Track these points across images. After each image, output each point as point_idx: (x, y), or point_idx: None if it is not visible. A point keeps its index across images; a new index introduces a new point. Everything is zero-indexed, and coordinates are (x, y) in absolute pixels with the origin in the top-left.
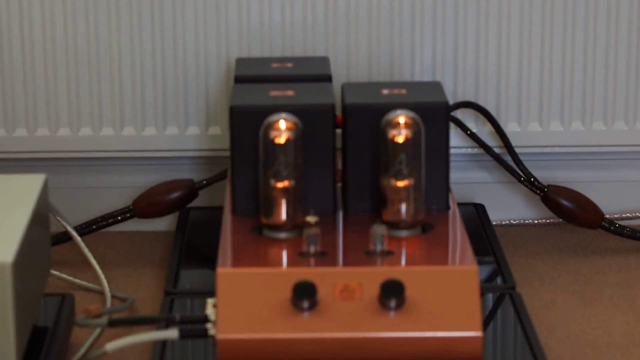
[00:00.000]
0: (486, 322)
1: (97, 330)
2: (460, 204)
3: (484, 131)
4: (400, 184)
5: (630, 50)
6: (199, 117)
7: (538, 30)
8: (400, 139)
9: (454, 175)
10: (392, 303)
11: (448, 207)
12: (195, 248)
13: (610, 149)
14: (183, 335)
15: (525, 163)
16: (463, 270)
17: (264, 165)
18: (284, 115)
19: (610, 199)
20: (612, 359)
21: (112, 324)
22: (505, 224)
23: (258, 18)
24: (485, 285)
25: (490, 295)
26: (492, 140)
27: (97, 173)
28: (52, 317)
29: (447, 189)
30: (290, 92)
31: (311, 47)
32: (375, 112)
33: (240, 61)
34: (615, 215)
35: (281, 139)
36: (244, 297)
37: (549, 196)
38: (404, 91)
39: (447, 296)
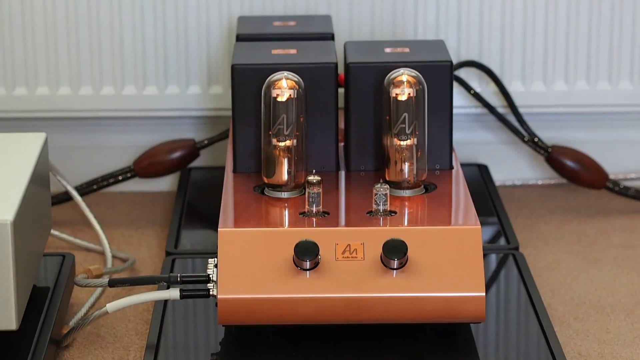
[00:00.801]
0: (489, 282)
1: (98, 291)
2: (463, 165)
3: (487, 91)
4: (403, 143)
5: (636, 9)
6: (200, 76)
7: None
8: (403, 98)
9: (457, 136)
10: (395, 263)
11: (451, 167)
12: (196, 208)
13: (615, 108)
14: (184, 296)
15: (529, 123)
16: (466, 230)
17: (265, 124)
18: (285, 73)
19: (614, 160)
20: (615, 320)
21: (113, 284)
22: (509, 185)
23: None
24: (489, 246)
25: (493, 256)
26: (495, 100)
27: (98, 133)
28: (53, 277)
29: (451, 149)
30: (292, 51)
31: (313, 6)
32: (378, 71)
33: (242, 19)
34: (620, 176)
35: (283, 98)
36: (245, 257)
37: (553, 156)
38: (407, 50)
39: (450, 256)
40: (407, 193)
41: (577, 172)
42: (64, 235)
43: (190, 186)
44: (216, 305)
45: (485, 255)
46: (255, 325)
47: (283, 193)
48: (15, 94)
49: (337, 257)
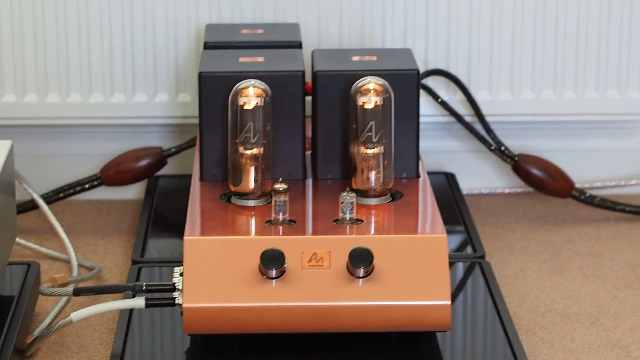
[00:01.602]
0: (456, 291)
1: (63, 300)
2: (430, 173)
3: (454, 99)
4: (370, 151)
5: (601, 18)
6: (168, 84)
7: None
8: (369, 106)
9: (425, 144)
10: (361, 271)
11: (418, 175)
12: (163, 216)
13: (581, 117)
14: (149, 304)
15: (495, 132)
16: (432, 238)
17: (232, 132)
18: (253, 81)
19: (580, 168)
20: (581, 328)
21: (78, 292)
22: (476, 193)
23: None
24: (455, 255)
25: (460, 265)
26: (462, 109)
27: (65, 140)
28: (17, 285)
29: (417, 157)
30: (260, 59)
31: (282, 14)
32: (345, 79)
33: (210, 27)
34: (586, 185)
35: (250, 106)
36: (211, 265)
37: (520, 165)
38: (374, 58)
39: (416, 264)
40: (373, 201)
41: (543, 181)
42: (30, 244)
43: (157, 194)
44: (182, 314)
45: (451, 264)
46: (221, 334)
47: (250, 201)
48: None
49: (303, 266)
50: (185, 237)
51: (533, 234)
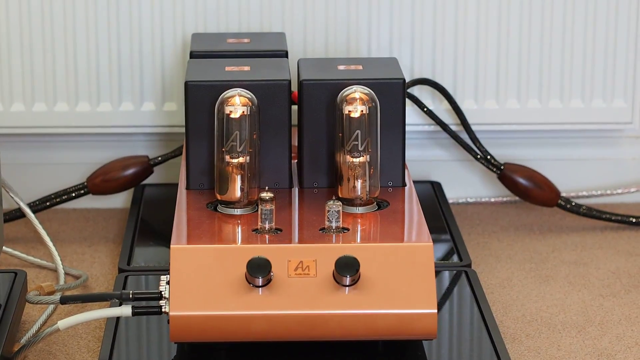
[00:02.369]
0: (442, 299)
1: (50, 308)
2: (416, 182)
3: (440, 108)
4: (356, 160)
5: (587, 28)
6: (155, 93)
7: (495, 8)
8: (355, 115)
9: (411, 153)
10: (347, 280)
11: (404, 184)
12: (150, 225)
13: (567, 126)
14: (136, 312)
15: (481, 141)
16: (418, 247)
17: (218, 141)
18: (239, 90)
19: (566, 177)
20: (567, 337)
21: (65, 301)
22: (462, 202)
23: None
24: (441, 263)
25: (446, 273)
26: (448, 118)
27: (51, 149)
28: (4, 294)
29: (403, 166)
30: (246, 68)
31: (267, 23)
32: (331, 88)
33: (196, 36)
34: (572, 194)
35: (236, 114)
36: (198, 273)
37: (506, 174)
38: (360, 67)
39: (402, 273)
40: (359, 210)
41: (529, 190)
42: (16, 252)
43: (143, 203)
44: (168, 322)
45: (437, 273)
46: (207, 343)
47: (236, 210)
48: None
49: (289, 274)
50: (172, 246)
51: (519, 242)
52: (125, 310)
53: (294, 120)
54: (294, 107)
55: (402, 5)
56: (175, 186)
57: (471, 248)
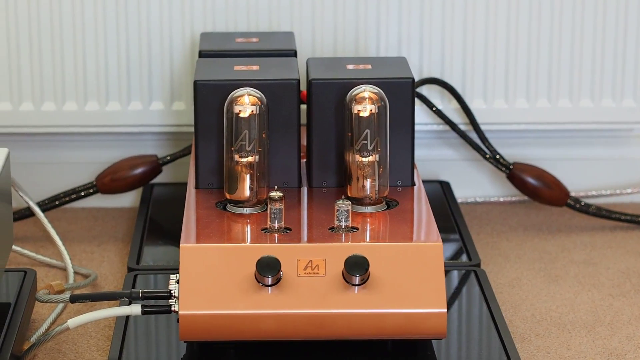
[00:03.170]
0: (451, 299)
1: (59, 307)
2: (425, 181)
3: (449, 108)
4: (365, 159)
5: (596, 27)
6: (163, 92)
7: (504, 7)
8: (364, 114)
9: (419, 152)
10: (357, 279)
11: (413, 184)
12: (158, 224)
13: (576, 126)
14: (145, 311)
15: (490, 140)
16: (428, 246)
17: (227, 140)
18: (248, 90)
19: (575, 177)
20: (576, 337)
21: (74, 299)
22: (471, 202)
23: None
24: (450, 263)
25: (455, 273)
26: (457, 117)
27: (60, 148)
28: (14, 292)
29: (412, 165)
30: (254, 67)
31: (276, 22)
32: (340, 88)
33: (204, 36)
34: (581, 193)
35: (245, 114)
36: (207, 272)
37: (515, 174)
38: (369, 66)
39: (411, 272)
40: (369, 209)
41: (538, 189)
42: (26, 251)
43: (152, 202)
44: (177, 321)
45: (447, 272)
46: (217, 342)
47: (245, 209)
48: None
49: (299, 273)
50: (182, 245)
51: (528, 242)
52: (135, 309)
53: (303, 119)
54: (303, 107)
55: (410, 4)
56: (183, 185)
57: (480, 248)
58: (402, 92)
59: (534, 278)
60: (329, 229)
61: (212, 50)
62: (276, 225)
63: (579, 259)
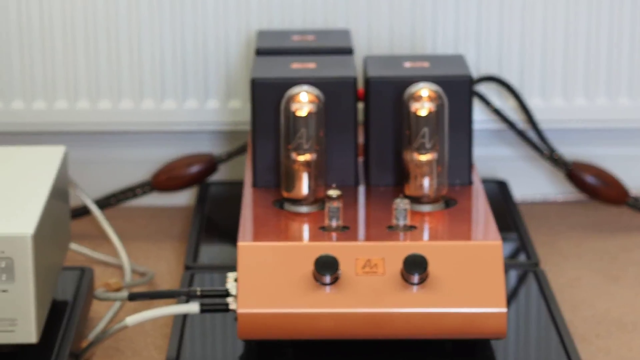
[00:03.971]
0: (510, 298)
1: (116, 305)
2: (482, 180)
3: (507, 106)
4: (423, 157)
5: None
6: (219, 90)
7: (562, 3)
8: (423, 113)
9: (476, 151)
10: (415, 278)
11: (471, 182)
12: (214, 222)
13: (636, 124)
14: (204, 310)
15: (549, 139)
16: (487, 245)
17: (285, 138)
18: (305, 87)
19: (635, 176)
20: (638, 337)
21: (133, 297)
22: (529, 201)
23: None
24: (509, 262)
25: (513, 272)
26: (515, 115)
27: (116, 146)
28: (72, 290)
29: (470, 164)
30: (311, 65)
31: (332, 20)
32: (398, 85)
33: (261, 34)
34: None
35: (303, 112)
36: (265, 271)
37: (574, 172)
38: (426, 64)
39: (471, 272)
40: (427, 208)
41: (597, 188)
42: (83, 249)
43: (208, 201)
44: (235, 320)
45: (505, 271)
46: (274, 340)
47: (302, 207)
48: (34, 108)
49: (357, 272)
50: (239, 243)
51: (587, 242)
52: (193, 307)
53: (359, 117)
54: (359, 105)
55: (467, 0)
56: (239, 184)
57: (538, 247)
58: (460, 90)
59: (594, 278)
60: (387, 228)
61: (268, 48)
62: (334, 223)
63: (639, 259)
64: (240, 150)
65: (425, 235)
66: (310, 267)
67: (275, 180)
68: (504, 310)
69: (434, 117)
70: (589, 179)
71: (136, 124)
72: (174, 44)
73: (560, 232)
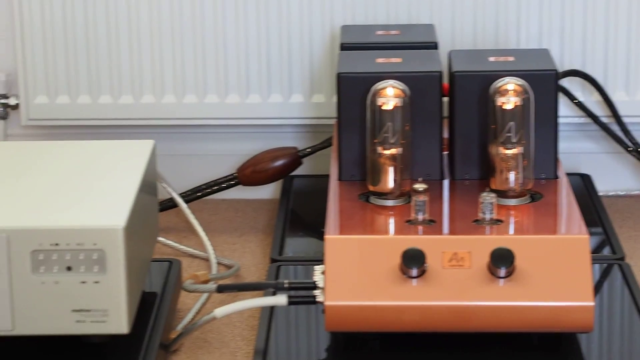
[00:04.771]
0: (595, 292)
1: (204, 296)
2: (566, 174)
3: (590, 100)
4: (509, 152)
5: None
6: (303, 85)
7: None
8: (509, 107)
9: (560, 145)
10: (502, 272)
11: (557, 176)
12: (299, 216)
13: None
14: (292, 302)
15: (633, 132)
16: (574, 239)
17: (371, 132)
18: (391, 82)
19: None
20: None
21: (221, 289)
22: (612, 195)
23: None
24: (594, 256)
25: (598, 266)
26: (599, 109)
27: (202, 140)
28: (161, 282)
29: (556, 158)
30: (396, 60)
31: (416, 15)
32: (483, 80)
33: (345, 28)
34: None
35: (389, 106)
36: (352, 264)
37: None
38: (511, 59)
39: (557, 265)
40: (512, 202)
41: None
42: (170, 242)
43: (293, 194)
44: (323, 312)
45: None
46: (361, 333)
47: (388, 201)
48: (122, 102)
49: (443, 265)
50: (327, 236)
51: None
52: (281, 299)
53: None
54: (444, 99)
55: None
56: (323, 177)
57: (623, 241)
58: (545, 84)
59: None
60: (473, 222)
61: (353, 42)
62: (420, 217)
63: None
64: (325, 144)
65: (512, 229)
66: (396, 260)
67: (360, 174)
68: (591, 303)
69: (520, 111)
70: None
71: (222, 118)
72: (259, 40)
73: None
